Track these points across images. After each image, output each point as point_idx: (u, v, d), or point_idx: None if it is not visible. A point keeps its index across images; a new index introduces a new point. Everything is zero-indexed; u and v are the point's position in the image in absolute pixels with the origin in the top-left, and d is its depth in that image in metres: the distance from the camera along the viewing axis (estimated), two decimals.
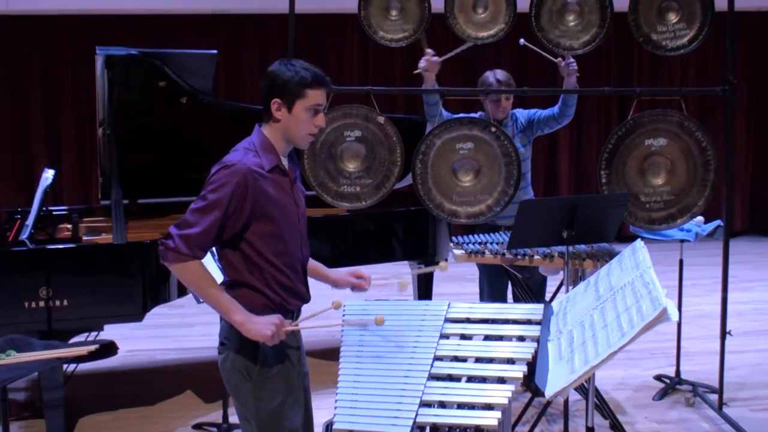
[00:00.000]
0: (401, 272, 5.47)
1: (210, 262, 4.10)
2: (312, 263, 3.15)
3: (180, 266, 2.72)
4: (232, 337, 2.82)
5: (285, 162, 2.91)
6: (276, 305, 2.85)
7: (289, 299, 2.90)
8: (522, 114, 5.01)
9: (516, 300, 4.96)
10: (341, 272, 3.20)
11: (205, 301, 2.79)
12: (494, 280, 4.98)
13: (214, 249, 2.89)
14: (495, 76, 4.87)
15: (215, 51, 5.35)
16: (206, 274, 2.75)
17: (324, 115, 2.90)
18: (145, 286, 4.41)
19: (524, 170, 4.83)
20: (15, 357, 3.22)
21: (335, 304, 2.83)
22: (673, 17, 4.59)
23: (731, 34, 4.68)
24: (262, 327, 2.69)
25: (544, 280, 4.98)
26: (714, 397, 4.87)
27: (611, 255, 4.09)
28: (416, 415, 2.48)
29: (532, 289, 4.83)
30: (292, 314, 2.92)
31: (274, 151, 2.85)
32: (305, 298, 2.99)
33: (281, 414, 2.85)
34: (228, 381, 2.91)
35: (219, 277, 2.95)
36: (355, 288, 3.17)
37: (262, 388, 2.83)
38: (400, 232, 5.43)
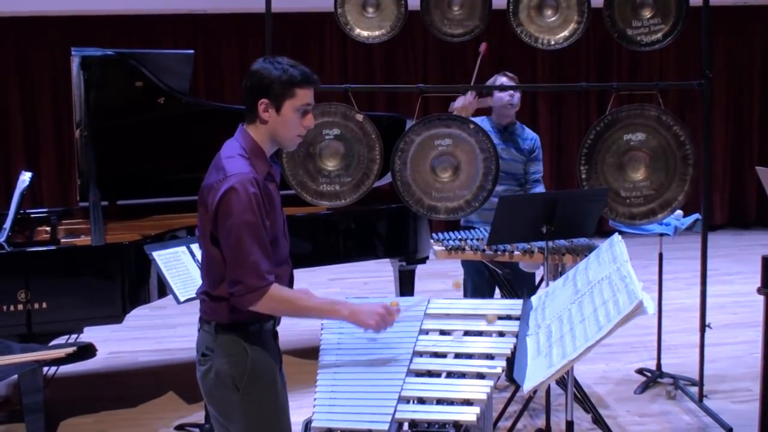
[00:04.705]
0: (384, 270, 5.47)
1: (190, 262, 4.08)
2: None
3: (266, 299, 2.56)
4: (216, 347, 2.65)
5: None
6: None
7: None
8: (529, 140, 5.02)
9: (503, 297, 4.94)
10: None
11: (304, 317, 2.68)
12: (478, 278, 4.96)
13: (198, 254, 2.71)
14: (499, 78, 4.85)
15: (192, 51, 5.34)
16: (291, 293, 2.65)
17: (312, 116, 2.76)
18: (124, 287, 4.40)
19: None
20: None
21: (455, 284, 2.76)
22: (647, 12, 4.61)
23: (707, 29, 4.70)
24: (366, 317, 2.67)
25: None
26: (695, 389, 4.90)
27: (591, 249, 4.10)
28: (395, 411, 2.47)
29: (525, 285, 4.81)
30: (275, 321, 2.79)
31: (264, 157, 2.70)
32: None
33: (275, 424, 2.73)
34: (210, 394, 2.73)
35: (197, 276, 2.85)
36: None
37: (250, 400, 2.67)
38: (381, 229, 5.42)
